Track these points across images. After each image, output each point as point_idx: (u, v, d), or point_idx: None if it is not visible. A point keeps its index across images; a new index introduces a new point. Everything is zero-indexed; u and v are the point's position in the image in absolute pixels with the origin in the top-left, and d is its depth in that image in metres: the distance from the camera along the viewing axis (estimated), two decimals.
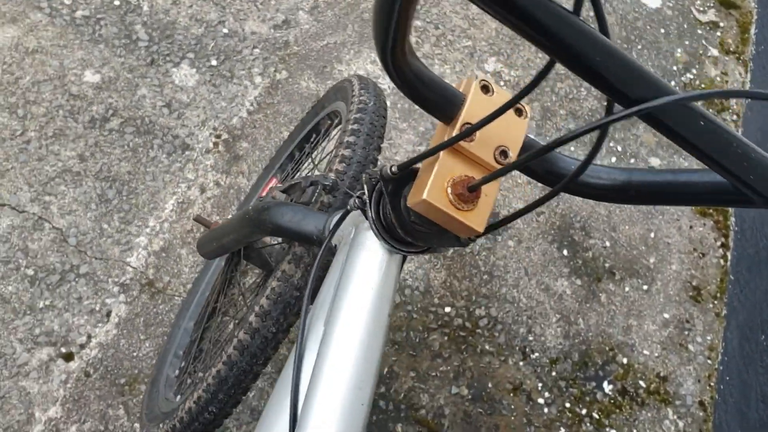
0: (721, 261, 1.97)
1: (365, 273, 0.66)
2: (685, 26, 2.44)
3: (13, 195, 1.63)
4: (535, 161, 0.62)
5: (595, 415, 1.68)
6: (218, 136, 1.84)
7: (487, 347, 1.71)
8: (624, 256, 1.92)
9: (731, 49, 2.43)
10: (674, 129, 0.46)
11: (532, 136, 0.64)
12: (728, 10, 2.54)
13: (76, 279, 1.57)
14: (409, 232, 0.65)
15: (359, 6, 2.19)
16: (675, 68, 2.32)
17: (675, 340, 1.82)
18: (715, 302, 1.90)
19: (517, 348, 1.72)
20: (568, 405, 1.68)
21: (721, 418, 1.71)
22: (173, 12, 2.01)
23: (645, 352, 1.79)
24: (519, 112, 0.62)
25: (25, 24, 1.87)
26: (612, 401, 1.71)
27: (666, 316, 1.85)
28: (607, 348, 1.78)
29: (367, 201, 0.67)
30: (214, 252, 1.21)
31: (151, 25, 1.97)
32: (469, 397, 1.64)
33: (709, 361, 1.81)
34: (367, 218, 0.67)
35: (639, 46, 2.33)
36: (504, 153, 0.60)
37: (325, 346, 0.61)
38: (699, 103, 0.47)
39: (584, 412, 1.68)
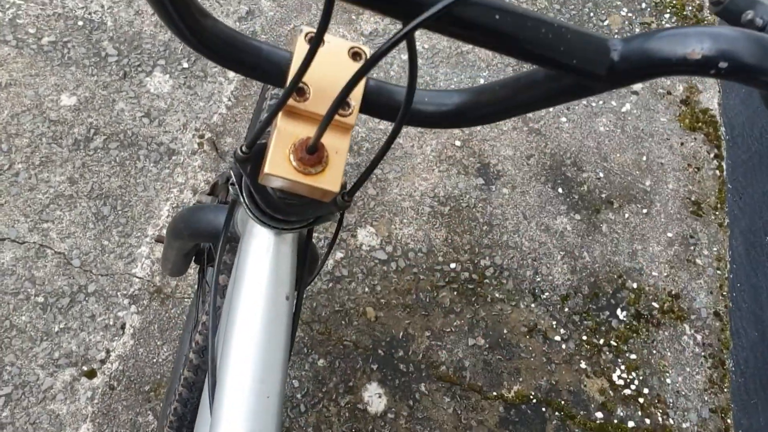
0: (717, 172, 1.97)
1: (255, 260, 0.63)
2: None
3: (11, 228, 1.66)
4: (372, 99, 0.57)
5: (613, 343, 1.70)
6: (201, 136, 1.86)
7: (497, 295, 1.73)
8: (619, 184, 1.93)
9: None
10: (470, 29, 0.43)
11: (378, 79, 0.59)
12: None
13: (86, 298, 1.60)
14: (279, 208, 0.61)
15: None
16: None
17: (682, 257, 1.83)
18: (717, 213, 1.90)
19: (527, 291, 1.74)
20: (584, 338, 1.70)
21: (737, 324, 1.72)
22: (137, 22, 2.02)
23: (654, 273, 1.80)
24: (357, 56, 0.57)
25: None
26: (628, 327, 1.72)
27: (669, 235, 1.86)
28: (615, 276, 1.79)
29: (237, 187, 0.63)
30: (173, 268, 1.19)
31: (118, 39, 1.99)
32: (486, 346, 1.66)
33: (718, 272, 1.82)
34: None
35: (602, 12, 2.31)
36: (345, 104, 0.55)
37: (227, 344, 0.59)
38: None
39: (602, 341, 1.70)
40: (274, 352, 0.59)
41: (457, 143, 1.94)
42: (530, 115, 2.02)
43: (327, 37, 0.55)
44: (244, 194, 0.62)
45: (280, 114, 0.55)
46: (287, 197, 0.59)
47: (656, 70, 0.45)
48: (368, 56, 0.56)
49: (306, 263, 0.74)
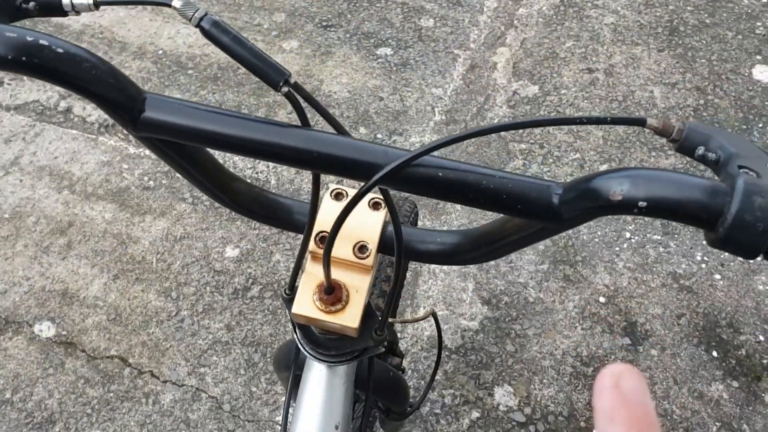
0: None
1: (308, 391, 0.69)
2: None
3: (173, 371, 1.80)
4: (388, 241, 0.63)
5: None
6: None
7: None
8: None
9: None
10: (418, 185, 0.49)
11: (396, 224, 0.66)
12: None
13: None
14: (322, 344, 0.66)
15: None
16: None
17: None
18: None
19: None
20: None
21: None
22: (297, 180, 2.20)
23: None
24: (377, 206, 0.64)
25: (173, 215, 2.12)
26: None
27: None
28: None
29: (292, 324, 0.69)
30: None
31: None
32: None
33: None
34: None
35: (760, 124, 2.25)
36: (363, 248, 0.62)
37: None
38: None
39: None
40: None
41: (602, 299, 1.90)
42: (680, 271, 1.95)
43: (350, 191, 0.64)
44: (298, 331, 0.69)
45: (308, 259, 0.62)
46: (326, 333, 0.65)
47: (592, 211, 0.47)
48: (384, 205, 0.64)
49: (369, 392, 0.81)
